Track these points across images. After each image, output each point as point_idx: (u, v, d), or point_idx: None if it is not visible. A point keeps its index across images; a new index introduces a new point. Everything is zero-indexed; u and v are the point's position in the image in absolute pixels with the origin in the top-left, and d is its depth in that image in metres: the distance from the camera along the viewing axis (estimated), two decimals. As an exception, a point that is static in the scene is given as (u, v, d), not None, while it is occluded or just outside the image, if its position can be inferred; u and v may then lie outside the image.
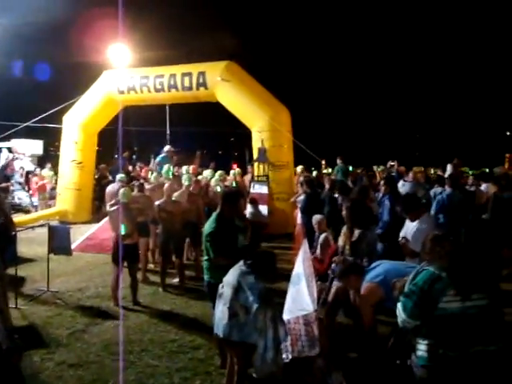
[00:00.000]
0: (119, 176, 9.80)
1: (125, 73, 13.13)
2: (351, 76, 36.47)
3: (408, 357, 3.03)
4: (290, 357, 4.23)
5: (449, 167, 10.58)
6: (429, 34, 35.59)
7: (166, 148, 13.67)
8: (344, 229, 5.09)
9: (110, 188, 9.85)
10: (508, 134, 32.07)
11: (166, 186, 7.85)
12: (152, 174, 10.95)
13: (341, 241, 5.09)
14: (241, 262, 3.87)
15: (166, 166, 10.70)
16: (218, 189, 9.45)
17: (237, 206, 4.93)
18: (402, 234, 5.28)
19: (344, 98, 36.85)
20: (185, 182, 8.35)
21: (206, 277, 4.63)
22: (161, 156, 13.39)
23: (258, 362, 3.70)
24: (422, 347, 2.88)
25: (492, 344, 2.78)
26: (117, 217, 6.66)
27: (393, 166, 11.94)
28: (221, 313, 3.82)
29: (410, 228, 5.19)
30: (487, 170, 11.88)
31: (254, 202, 9.39)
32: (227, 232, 4.52)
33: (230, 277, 3.82)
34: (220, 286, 3.95)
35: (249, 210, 9.21)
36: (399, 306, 2.92)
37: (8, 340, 2.98)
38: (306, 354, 4.31)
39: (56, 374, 4.42)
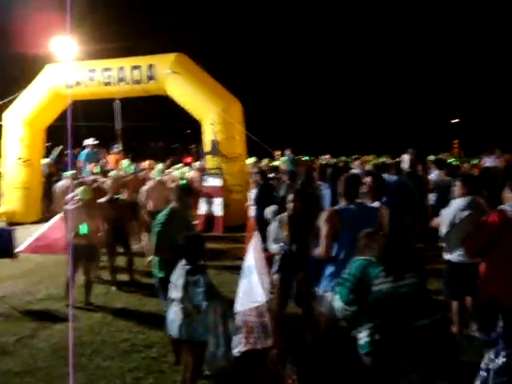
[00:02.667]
0: (68, 173, 9.52)
1: (71, 66, 12.69)
2: (300, 66, 36.77)
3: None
4: (243, 349, 4.25)
5: (406, 157, 10.58)
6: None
7: (88, 141, 13.36)
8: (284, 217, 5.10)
9: (59, 185, 9.58)
10: (453, 121, 33.23)
11: (109, 182, 7.86)
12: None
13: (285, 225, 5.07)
14: (183, 261, 3.86)
15: (125, 161, 10.68)
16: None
17: (189, 200, 4.97)
18: None
19: (295, 88, 37.15)
20: (156, 177, 8.79)
21: (155, 271, 4.61)
22: (85, 152, 13.11)
23: (210, 359, 3.73)
24: (362, 335, 2.98)
25: (427, 317, 2.93)
26: (75, 215, 6.46)
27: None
28: (173, 314, 3.81)
29: None
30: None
31: (208, 195, 9.36)
32: (176, 225, 4.53)
33: (177, 277, 3.82)
34: (170, 285, 3.92)
35: (203, 202, 9.19)
36: (336, 295, 3.04)
37: None
38: (259, 346, 4.34)
39: None
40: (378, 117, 39.24)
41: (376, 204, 4.42)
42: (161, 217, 4.68)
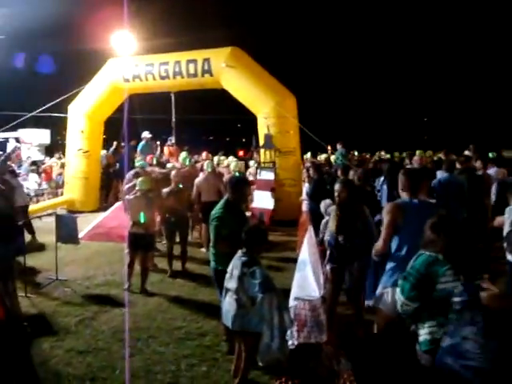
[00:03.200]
0: (139, 163, 9.73)
1: (130, 61, 13.06)
2: (357, 62, 36.07)
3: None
4: (296, 343, 4.25)
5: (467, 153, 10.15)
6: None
7: (144, 134, 13.68)
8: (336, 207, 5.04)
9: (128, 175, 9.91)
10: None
11: (173, 173, 8.04)
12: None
13: (334, 217, 5.03)
14: (240, 252, 3.89)
15: (183, 153, 10.94)
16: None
17: (243, 192, 4.95)
18: None
19: (350, 84, 36.49)
20: (207, 169, 8.96)
21: (212, 263, 4.64)
22: (141, 144, 13.42)
23: (264, 351, 3.74)
24: (422, 332, 2.91)
25: None
26: (134, 205, 6.71)
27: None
28: (228, 304, 3.86)
29: None
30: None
31: (260, 189, 9.40)
32: (233, 218, 4.54)
33: (233, 268, 3.85)
34: (226, 275, 3.96)
35: (255, 196, 9.24)
36: (398, 289, 2.97)
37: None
38: (313, 340, 4.32)
39: (65, 361, 4.48)
40: (439, 112, 38.01)
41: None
42: (217, 211, 4.65)
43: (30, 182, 14.67)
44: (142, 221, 6.50)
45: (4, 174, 8.43)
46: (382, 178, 6.79)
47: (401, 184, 4.02)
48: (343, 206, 4.89)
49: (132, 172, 9.02)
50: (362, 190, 5.68)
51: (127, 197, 7.17)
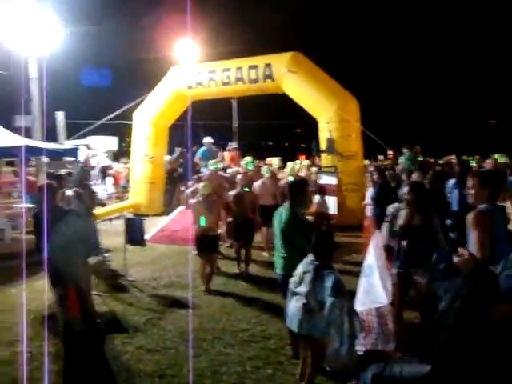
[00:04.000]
0: (213, 166, 10.01)
1: (192, 68, 13.42)
2: (421, 64, 35.00)
3: None
4: (364, 349, 4.16)
5: None
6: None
7: (206, 139, 13.91)
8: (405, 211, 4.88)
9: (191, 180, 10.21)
10: None
11: (239, 176, 8.26)
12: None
13: (400, 220, 4.87)
14: (311, 257, 3.85)
15: (248, 158, 11.11)
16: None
17: (306, 196, 4.89)
18: None
19: (412, 86, 35.48)
20: (265, 173, 9.22)
21: (278, 269, 4.62)
22: (202, 149, 13.64)
23: (333, 356, 3.68)
24: None
25: None
26: (196, 209, 6.91)
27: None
28: (294, 308, 3.82)
29: None
30: None
31: (322, 193, 9.34)
32: (299, 223, 4.50)
33: (303, 272, 3.81)
34: (292, 279, 3.94)
35: (316, 200, 9.18)
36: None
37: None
38: (380, 347, 4.21)
39: (136, 358, 4.63)
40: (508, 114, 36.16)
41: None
42: (286, 217, 4.57)
43: (108, 186, 15.36)
44: (203, 224, 6.66)
45: (85, 180, 8.93)
46: (453, 181, 6.53)
47: (479, 188, 3.76)
48: (410, 210, 4.74)
49: (195, 177, 9.26)
50: (433, 193, 5.47)
51: (190, 201, 7.37)
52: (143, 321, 5.58)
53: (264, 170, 9.45)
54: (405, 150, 11.98)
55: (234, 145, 15.01)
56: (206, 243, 6.67)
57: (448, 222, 5.66)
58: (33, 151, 9.24)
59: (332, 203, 9.86)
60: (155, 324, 5.50)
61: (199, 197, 7.05)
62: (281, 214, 4.60)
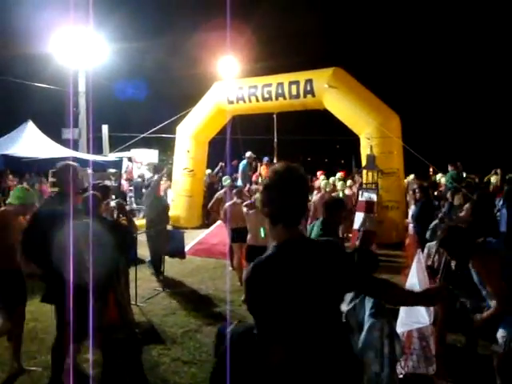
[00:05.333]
0: (226, 182, 10.24)
1: (234, 83, 13.60)
2: (464, 80, 34.19)
3: None
4: (404, 372, 4.03)
5: None
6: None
7: (248, 154, 13.99)
8: None
9: (221, 193, 10.29)
10: None
11: None
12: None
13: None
14: None
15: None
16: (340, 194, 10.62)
17: (339, 214, 4.91)
18: None
19: (455, 102, 34.63)
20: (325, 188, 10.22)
21: None
22: (243, 163, 13.72)
23: (373, 380, 3.56)
24: None
25: None
26: (252, 220, 6.93)
27: None
28: None
29: None
30: None
31: (363, 210, 9.21)
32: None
33: None
34: None
35: (358, 217, 9.06)
36: None
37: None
38: (421, 370, 4.06)
39: (172, 370, 4.64)
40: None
41: None
42: (315, 232, 4.65)
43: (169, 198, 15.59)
44: (263, 235, 6.63)
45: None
46: (502, 201, 6.30)
47: None
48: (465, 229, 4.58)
49: (234, 191, 9.28)
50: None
51: (245, 210, 7.28)
52: (180, 333, 5.60)
53: (324, 184, 9.87)
54: (450, 168, 11.68)
55: (267, 158, 15.14)
56: (256, 254, 6.61)
57: None
58: (79, 163, 9.52)
59: (371, 220, 9.70)
60: (192, 337, 5.51)
61: (255, 208, 7.02)
62: (311, 228, 4.66)
